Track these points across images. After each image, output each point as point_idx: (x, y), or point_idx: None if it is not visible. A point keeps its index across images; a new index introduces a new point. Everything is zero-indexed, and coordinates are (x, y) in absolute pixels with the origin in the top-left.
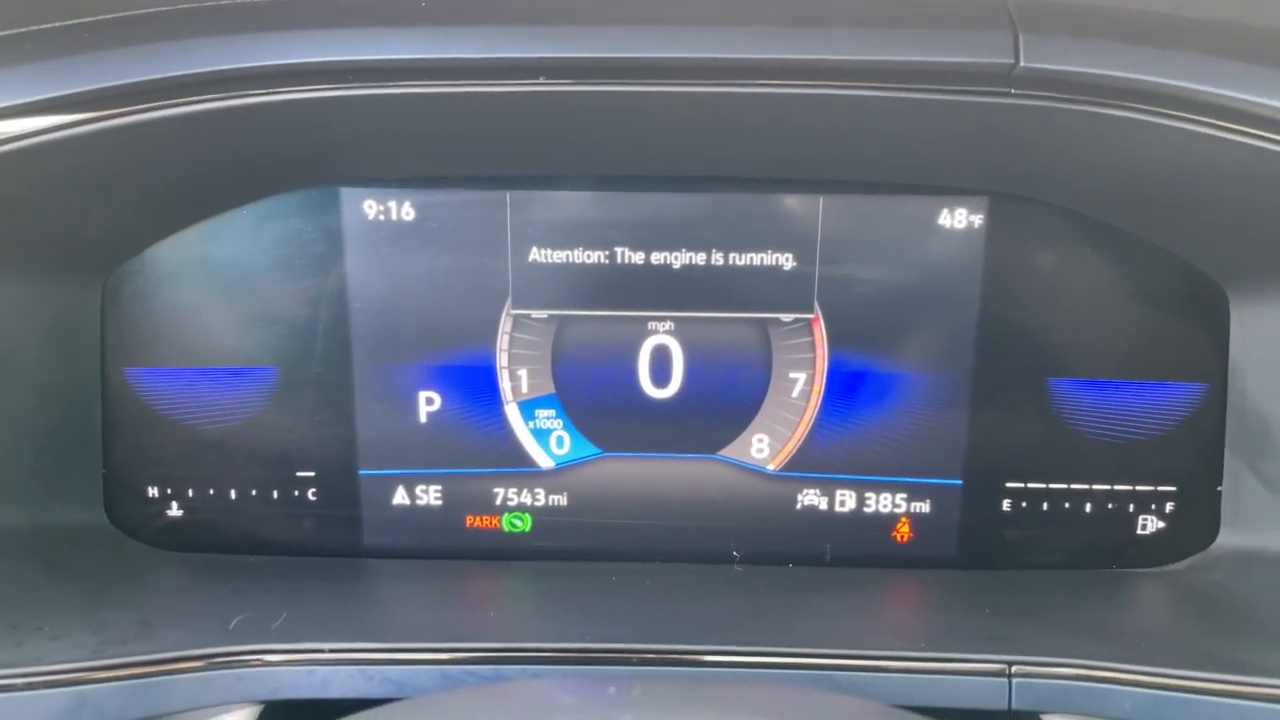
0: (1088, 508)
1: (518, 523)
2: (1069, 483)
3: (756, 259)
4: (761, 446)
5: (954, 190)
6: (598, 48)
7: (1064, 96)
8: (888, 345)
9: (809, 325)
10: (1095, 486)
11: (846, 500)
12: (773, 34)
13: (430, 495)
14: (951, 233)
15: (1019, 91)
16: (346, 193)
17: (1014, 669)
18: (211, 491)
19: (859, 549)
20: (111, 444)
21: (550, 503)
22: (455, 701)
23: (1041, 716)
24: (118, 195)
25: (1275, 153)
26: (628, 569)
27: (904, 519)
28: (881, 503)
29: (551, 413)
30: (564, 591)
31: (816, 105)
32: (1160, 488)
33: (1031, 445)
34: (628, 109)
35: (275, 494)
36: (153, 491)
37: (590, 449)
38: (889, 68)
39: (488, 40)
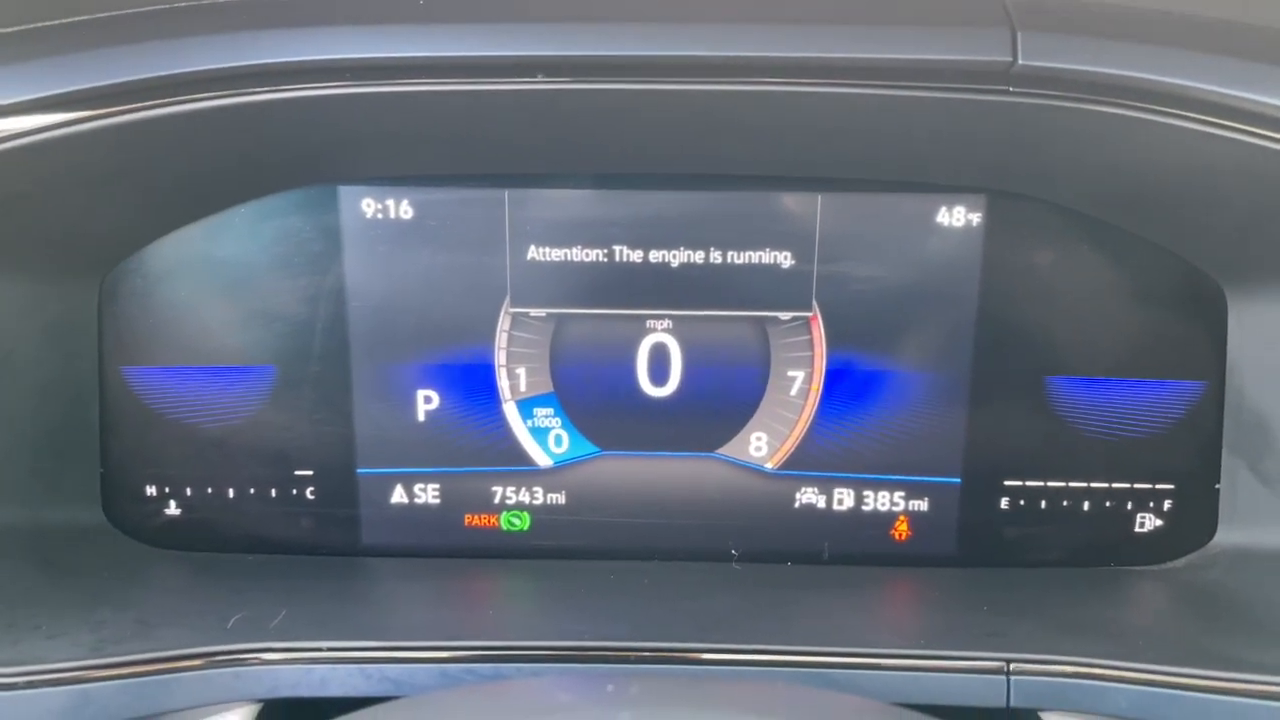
0: (1086, 506)
1: (516, 521)
2: (1067, 481)
3: (755, 257)
4: (760, 445)
5: (952, 188)
6: (596, 46)
7: (1062, 95)
8: (886, 343)
9: (807, 323)
10: (1093, 484)
11: (845, 498)
12: (771, 32)
13: (429, 494)
14: (950, 231)
15: (1017, 90)
16: (345, 191)
17: (1012, 666)
18: (209, 490)
19: (857, 547)
20: (109, 443)
21: (549, 501)
22: (453, 700)
23: (1040, 714)
24: (116, 193)
25: (1273, 151)
26: (626, 567)
27: (902, 517)
28: (880, 501)
29: (550, 411)
30: (562, 590)
31: (815, 103)
32: (1158, 486)
33: (1030, 443)
34: (626, 107)
35: (273, 493)
36: (151, 490)
37: (588, 447)
38: (887, 66)
39: (486, 38)
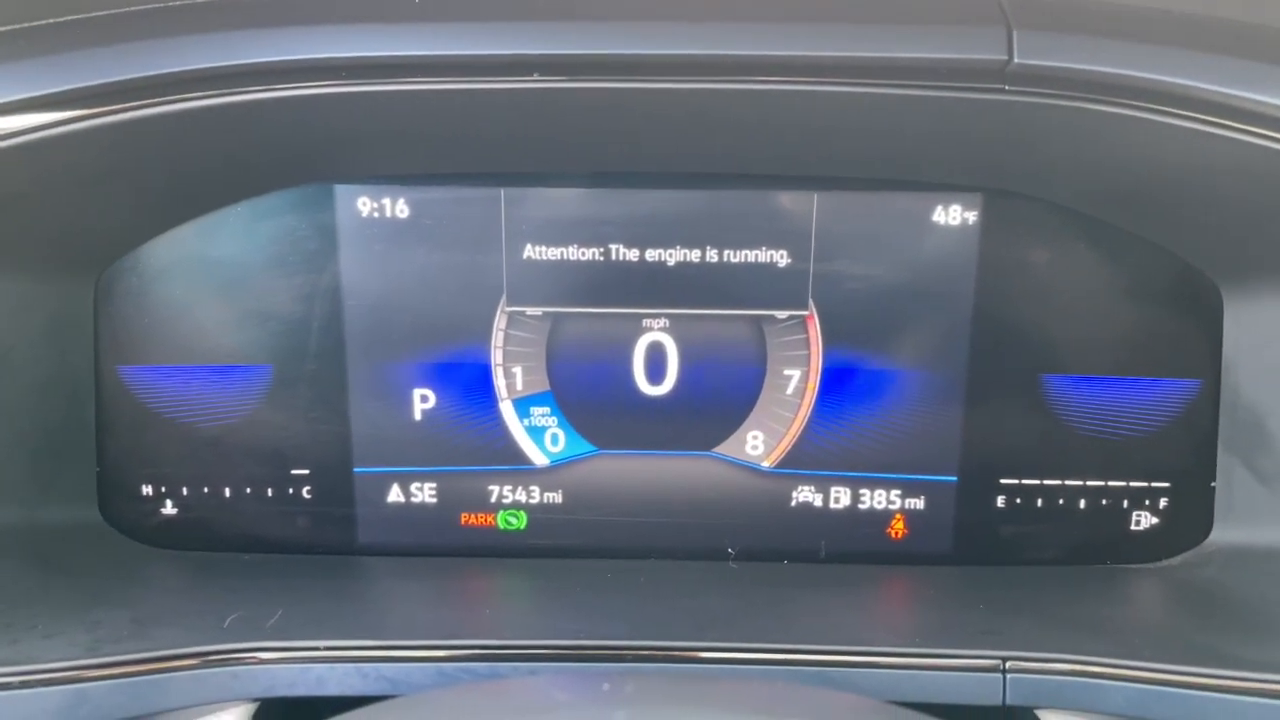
0: (1082, 504)
1: (513, 520)
2: (1063, 479)
3: (751, 256)
4: (756, 443)
5: (948, 187)
6: (591, 44)
7: (1057, 93)
8: (882, 342)
9: (803, 322)
10: (1089, 482)
11: (841, 497)
12: (767, 30)
13: (425, 493)
14: (946, 229)
15: (1012, 88)
16: (341, 190)
17: (1008, 664)
18: (206, 489)
19: (854, 545)
20: (105, 442)
21: (545, 500)
22: (450, 698)
23: (1036, 712)
24: (112, 192)
25: (1269, 149)
26: (623, 566)
27: (898, 515)
28: (876, 499)
29: (546, 410)
30: (559, 589)
31: (810, 102)
32: (1154, 484)
33: (1026, 441)
34: (622, 106)
35: (270, 492)
36: (147, 489)
37: (585, 446)
38: (883, 64)
39: (481, 37)
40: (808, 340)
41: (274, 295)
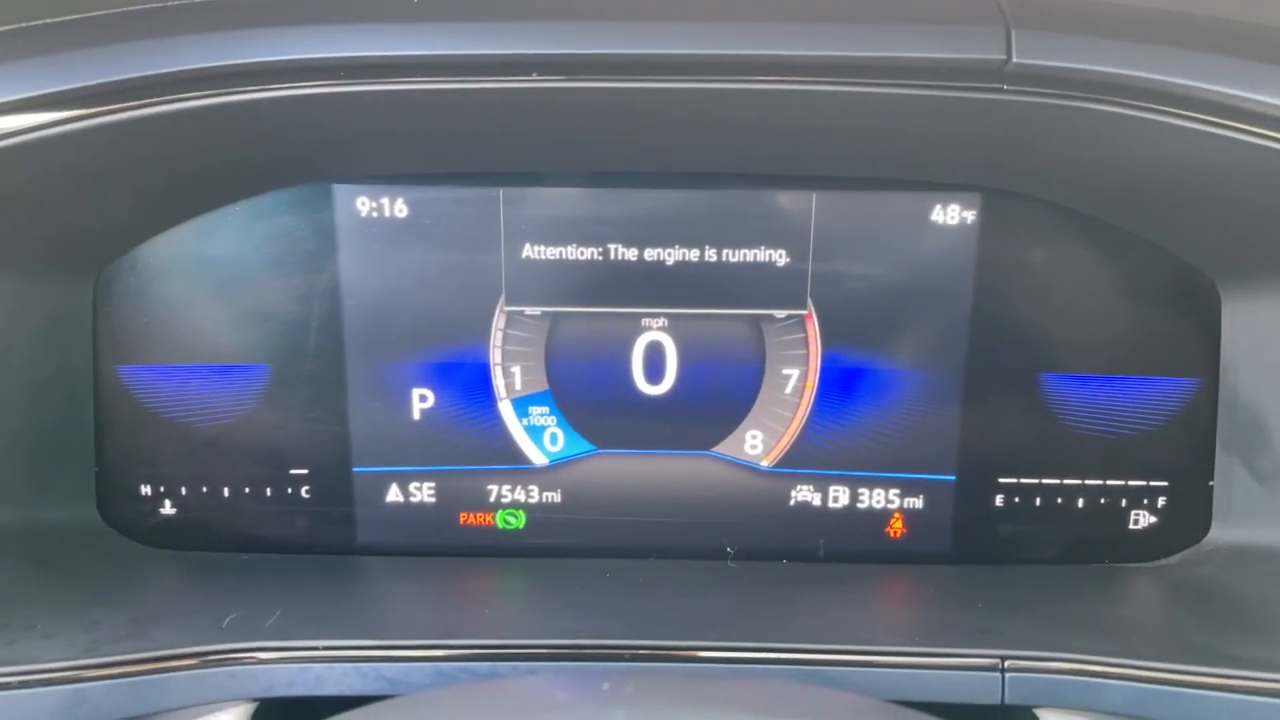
0: (1080, 503)
1: (512, 520)
2: (1061, 478)
3: (749, 255)
4: (755, 443)
5: (946, 186)
6: (590, 44)
7: (1056, 92)
8: (881, 341)
9: (802, 321)
10: (1087, 481)
11: (840, 496)
12: (765, 30)
13: (424, 492)
14: (944, 229)
15: (1011, 87)
16: (339, 189)
17: (1007, 663)
18: (204, 489)
19: (852, 545)
20: (104, 442)
21: (544, 500)
22: (449, 698)
23: (1035, 711)
24: (110, 192)
25: (1267, 149)
26: (622, 566)
27: (897, 514)
28: (875, 498)
29: (545, 410)
30: (558, 588)
31: (809, 101)
32: (1152, 483)
33: (1024, 441)
34: (621, 105)
35: (268, 491)
36: (145, 489)
37: (584, 446)
38: (881, 63)
39: (480, 37)
40: (806, 340)
41: (273, 295)
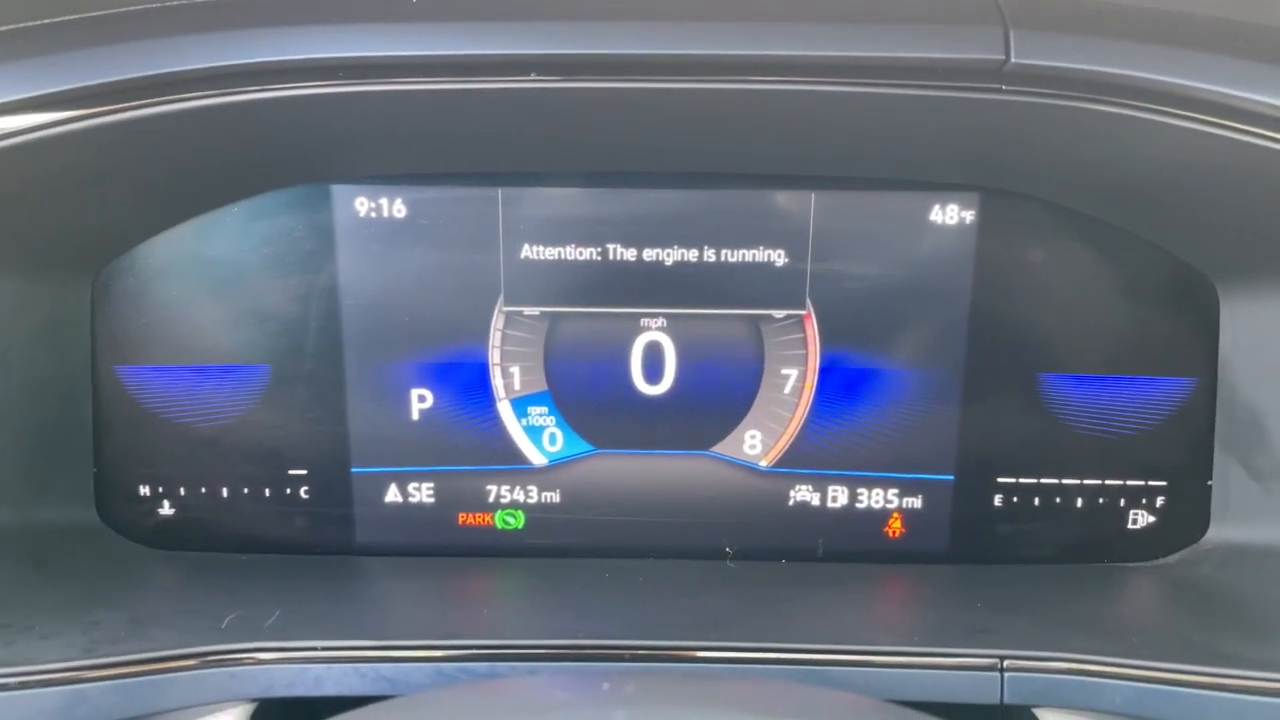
0: (1078, 502)
1: (511, 520)
2: (1060, 478)
3: (748, 255)
4: (754, 443)
5: (945, 186)
6: (589, 44)
7: (1054, 92)
8: (879, 341)
9: (801, 321)
10: (1086, 481)
11: (838, 496)
12: (763, 30)
13: (423, 493)
14: (943, 228)
15: (1009, 88)
16: (338, 190)
17: (1006, 663)
18: (203, 490)
19: (851, 544)
20: (102, 442)
21: (543, 500)
22: (449, 699)
23: (1033, 710)
24: (109, 192)
25: (1265, 148)
26: (621, 566)
27: (896, 514)
28: (873, 498)
29: (544, 410)
30: (557, 588)
31: (808, 101)
32: (1150, 482)
33: (1022, 440)
34: (619, 105)
35: (267, 492)
36: (144, 490)
37: (583, 446)
38: (880, 63)
39: (479, 37)
40: (805, 339)
41: (271, 295)
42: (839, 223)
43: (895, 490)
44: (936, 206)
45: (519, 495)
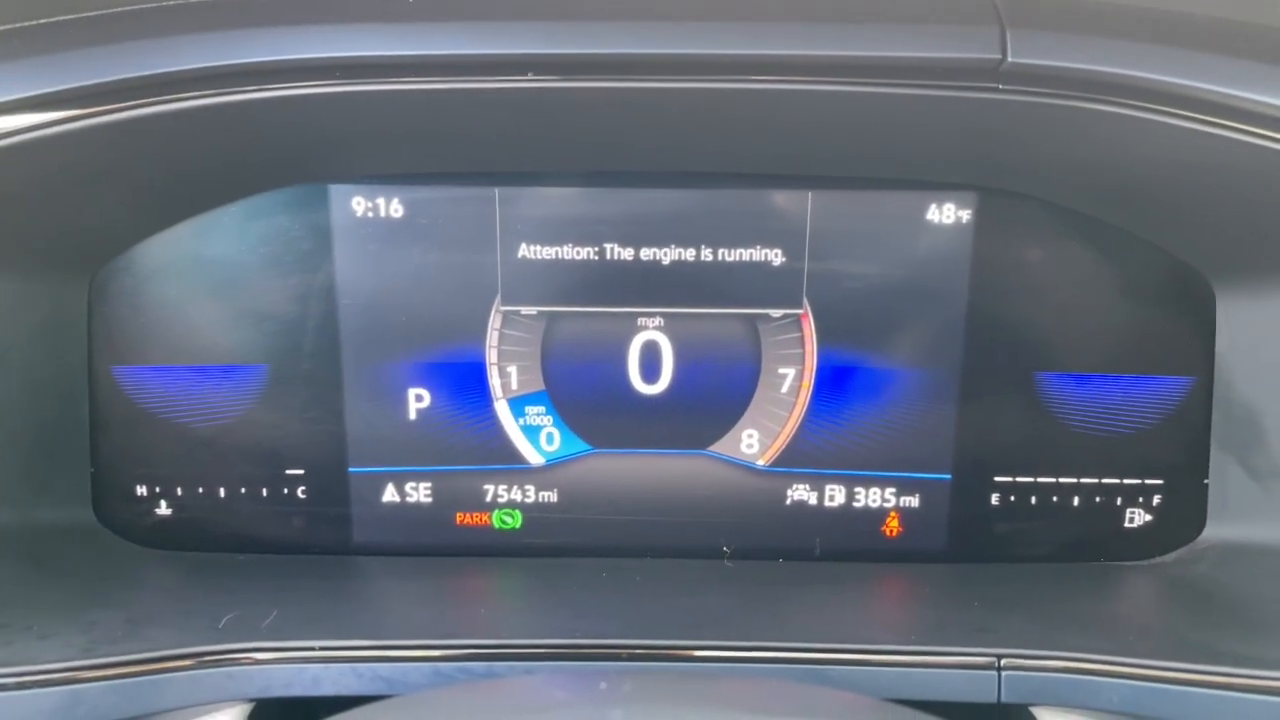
0: (1075, 501)
1: (508, 519)
2: (1057, 476)
3: (745, 254)
4: (751, 442)
5: (942, 185)
6: (586, 44)
7: (1051, 92)
8: (876, 340)
9: (798, 320)
10: (1083, 480)
11: (836, 495)
12: (760, 30)
13: (420, 492)
14: (940, 228)
15: (1006, 87)
16: (335, 190)
17: (1003, 662)
18: (200, 490)
19: (848, 543)
20: (99, 442)
21: (540, 499)
22: (446, 698)
23: (1031, 709)
24: (106, 192)
25: (1263, 148)
26: (618, 565)
27: (893, 513)
28: (871, 497)
29: (541, 409)
30: (554, 588)
31: (805, 101)
32: (1147, 481)
33: (1019, 439)
34: (616, 105)
35: (265, 492)
36: (141, 490)
37: (580, 445)
38: (877, 63)
39: (476, 36)
40: (802, 339)
41: (269, 295)
42: (836, 222)
43: (892, 489)
44: (933, 206)
45: (516, 495)
